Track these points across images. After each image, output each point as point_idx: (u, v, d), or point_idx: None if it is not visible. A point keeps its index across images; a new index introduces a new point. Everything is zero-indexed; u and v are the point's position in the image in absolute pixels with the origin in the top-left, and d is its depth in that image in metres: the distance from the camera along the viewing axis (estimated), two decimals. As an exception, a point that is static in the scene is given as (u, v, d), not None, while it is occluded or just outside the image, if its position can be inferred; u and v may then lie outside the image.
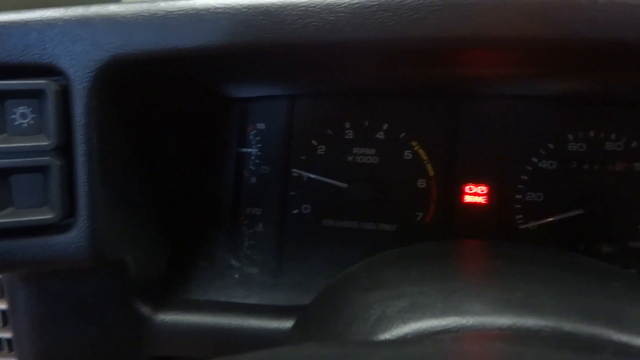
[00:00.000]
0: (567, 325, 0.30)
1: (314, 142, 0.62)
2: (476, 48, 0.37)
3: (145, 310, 0.45)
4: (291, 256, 0.62)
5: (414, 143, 0.61)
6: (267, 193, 0.63)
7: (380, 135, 0.61)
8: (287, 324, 0.45)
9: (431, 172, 0.60)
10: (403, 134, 0.61)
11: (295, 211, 0.62)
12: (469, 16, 0.35)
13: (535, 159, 0.59)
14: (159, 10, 0.38)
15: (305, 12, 0.36)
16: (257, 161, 0.63)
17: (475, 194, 0.59)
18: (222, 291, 0.53)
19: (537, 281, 0.36)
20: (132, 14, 0.38)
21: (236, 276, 0.57)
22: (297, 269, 0.61)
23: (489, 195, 0.59)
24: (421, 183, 0.60)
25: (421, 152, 0.60)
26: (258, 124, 0.63)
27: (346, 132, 0.62)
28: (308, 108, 0.63)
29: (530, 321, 0.31)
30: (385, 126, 0.61)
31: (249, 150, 0.63)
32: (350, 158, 0.61)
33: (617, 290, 0.37)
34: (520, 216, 0.59)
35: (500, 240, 0.55)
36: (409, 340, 0.30)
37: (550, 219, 0.58)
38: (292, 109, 0.63)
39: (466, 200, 0.60)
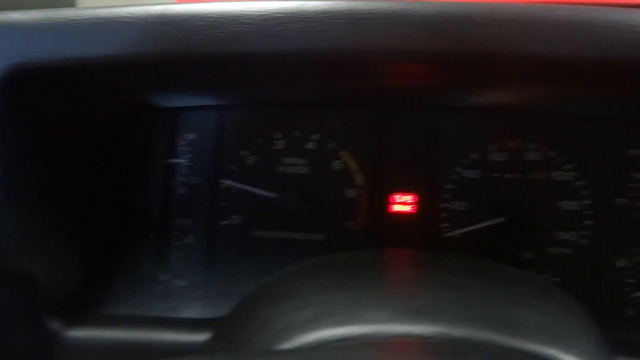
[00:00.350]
0: (459, 332, 0.31)
1: (244, 153, 0.62)
2: (381, 61, 0.37)
3: (56, 326, 0.44)
4: (221, 267, 0.61)
5: (343, 153, 0.61)
6: (197, 204, 0.62)
7: (310, 145, 0.62)
8: (205, 336, 0.45)
9: (360, 182, 0.61)
10: (333, 144, 0.61)
11: (225, 222, 0.62)
12: (372, 29, 0.36)
13: (459, 169, 0.60)
14: (62, 18, 0.37)
15: (211, 23, 0.36)
16: (187, 172, 0.62)
17: (403, 203, 0.60)
18: (144, 305, 0.52)
19: (442, 289, 0.37)
20: (34, 21, 0.37)
21: (161, 289, 0.56)
22: (227, 280, 0.60)
23: (416, 204, 0.60)
24: (350, 193, 0.61)
25: (350, 162, 0.61)
26: (188, 134, 0.62)
27: (276, 142, 0.62)
28: (238, 118, 0.62)
29: (424, 328, 0.31)
30: (315, 136, 0.62)
31: (179, 160, 0.62)
32: (280, 168, 0.61)
33: (518, 296, 0.38)
34: (446, 224, 0.60)
35: (417, 249, 0.56)
36: (303, 350, 0.30)
37: (474, 227, 0.59)
38: (222, 119, 0.62)
39: (394, 209, 0.60)
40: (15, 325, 0.42)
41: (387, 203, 0.61)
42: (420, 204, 0.60)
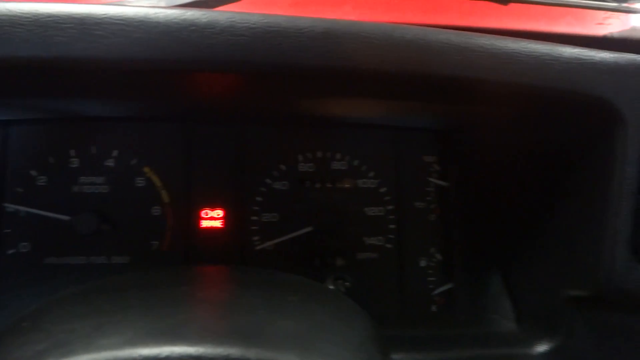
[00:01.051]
0: (196, 349, 0.30)
1: (34, 173, 0.56)
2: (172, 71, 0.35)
3: None
4: (10, 299, 0.54)
5: (146, 169, 0.58)
6: (-24, 233, 0.55)
7: (110, 162, 0.58)
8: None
9: (166, 199, 0.58)
10: (135, 160, 0.58)
11: (11, 251, 0.55)
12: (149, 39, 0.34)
13: (269, 180, 0.60)
14: None
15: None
16: (-36, 197, 0.55)
17: (211, 218, 0.59)
18: None
19: (201, 306, 0.36)
20: None
21: None
22: (15, 314, 0.54)
23: (225, 218, 0.59)
24: (156, 210, 0.58)
25: (155, 178, 0.58)
26: (-36, 154, 0.55)
27: (71, 160, 0.57)
28: (27, 135, 0.57)
29: (160, 350, 0.29)
30: (115, 153, 0.58)
31: (-47, 184, 0.55)
32: (75, 188, 0.57)
33: (285, 306, 0.38)
34: (256, 237, 0.60)
35: (201, 265, 0.54)
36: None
37: (284, 238, 0.59)
38: (7, 136, 0.56)
39: (203, 225, 0.58)
40: None
41: (195, 219, 0.58)
42: (230, 218, 0.59)
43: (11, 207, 0.55)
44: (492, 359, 0.49)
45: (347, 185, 0.62)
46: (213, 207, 0.59)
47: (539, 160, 0.50)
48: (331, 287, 0.57)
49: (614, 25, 0.86)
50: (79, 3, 0.34)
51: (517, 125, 0.51)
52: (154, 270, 0.44)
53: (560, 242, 0.48)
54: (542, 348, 0.48)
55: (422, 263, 0.62)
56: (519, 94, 0.42)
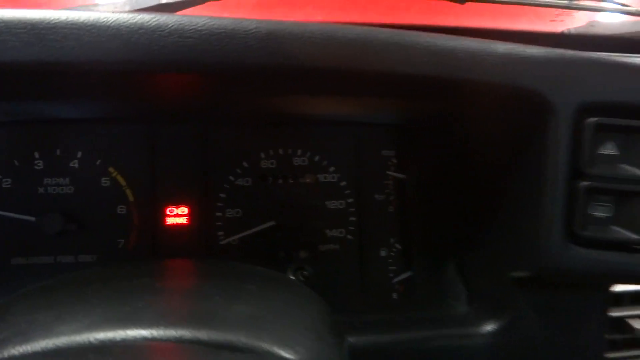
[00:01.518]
0: (151, 332, 0.32)
1: (-2, 176, 0.57)
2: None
3: None
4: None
5: (111, 169, 0.60)
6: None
7: (75, 163, 0.59)
8: None
9: (131, 198, 0.60)
10: (99, 161, 0.59)
11: (-23, 252, 0.56)
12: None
13: (232, 177, 0.62)
14: None
15: None
16: None
17: (176, 215, 0.60)
18: None
19: (162, 294, 0.38)
20: None
21: None
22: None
23: (190, 215, 0.61)
24: (121, 209, 0.60)
25: (120, 178, 0.60)
26: None
27: (36, 162, 0.58)
28: (-10, 139, 0.58)
29: (115, 334, 0.31)
30: (79, 154, 0.59)
31: None
32: (41, 189, 0.58)
33: (244, 293, 0.40)
34: (221, 232, 0.62)
35: (164, 260, 0.56)
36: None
37: (247, 233, 0.61)
38: (-31, 140, 0.57)
39: (168, 223, 0.60)
40: None
41: (160, 217, 0.60)
42: (194, 215, 0.61)
43: (-25, 209, 0.56)
44: (445, 338, 0.52)
45: (308, 180, 0.64)
46: (178, 204, 0.61)
47: (487, 150, 0.53)
48: (292, 277, 0.60)
49: (567, 21, 0.90)
50: (40, 8, 0.36)
51: (464, 118, 0.54)
52: (117, 265, 0.46)
53: (504, 227, 0.51)
54: (490, 327, 0.51)
55: (383, 253, 0.65)
56: (459, 89, 0.45)
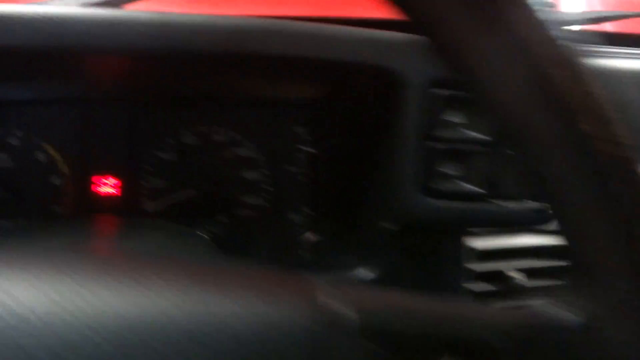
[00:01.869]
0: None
1: (-59, 151, 0.65)
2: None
3: None
4: None
5: (47, 146, 0.67)
6: None
7: (13, 140, 0.66)
8: None
9: (66, 170, 0.67)
10: (36, 139, 0.67)
11: None
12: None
13: (157, 152, 0.70)
14: None
15: None
16: None
17: (107, 185, 0.68)
18: None
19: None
20: None
21: None
22: None
23: (120, 187, 0.69)
24: (56, 180, 0.67)
25: (55, 153, 0.67)
26: None
27: (-23, 139, 0.66)
28: None
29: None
30: (18, 133, 0.67)
31: None
32: (-19, 164, 0.65)
33: (150, 238, 0.48)
34: (148, 202, 0.70)
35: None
36: None
37: (172, 202, 0.70)
38: None
39: (100, 191, 0.68)
40: None
41: (93, 188, 0.68)
42: (124, 186, 0.69)
43: None
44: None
45: (226, 155, 0.73)
46: (108, 176, 0.68)
47: (362, 123, 0.62)
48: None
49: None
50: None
51: (345, 97, 0.62)
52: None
53: (377, 188, 0.60)
54: (370, 275, 0.60)
55: (295, 219, 0.74)
56: (328, 68, 0.53)
